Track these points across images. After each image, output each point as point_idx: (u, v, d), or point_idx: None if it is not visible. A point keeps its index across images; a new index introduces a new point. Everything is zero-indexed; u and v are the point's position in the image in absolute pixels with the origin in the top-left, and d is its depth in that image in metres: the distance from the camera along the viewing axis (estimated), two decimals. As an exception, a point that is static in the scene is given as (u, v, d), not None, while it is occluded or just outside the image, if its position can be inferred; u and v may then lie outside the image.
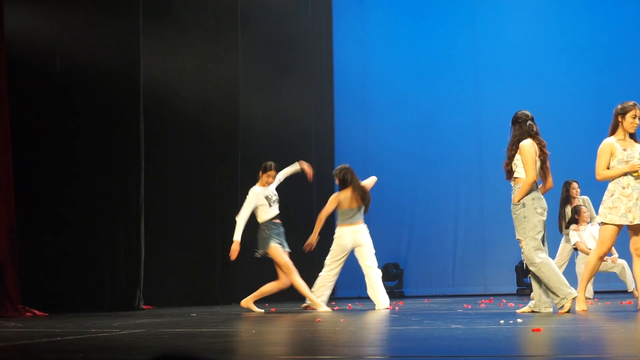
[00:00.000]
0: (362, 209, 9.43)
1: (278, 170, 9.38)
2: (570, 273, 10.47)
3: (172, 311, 9.92)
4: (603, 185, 7.64)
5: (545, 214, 7.48)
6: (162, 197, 11.87)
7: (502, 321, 6.48)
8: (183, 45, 12.17)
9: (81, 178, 10.50)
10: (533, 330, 5.46)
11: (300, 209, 12.79)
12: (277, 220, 9.25)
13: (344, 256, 9.45)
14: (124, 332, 6.13)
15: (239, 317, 8.43)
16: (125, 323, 7.32)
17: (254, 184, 9.31)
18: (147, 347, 4.82)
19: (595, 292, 10.75)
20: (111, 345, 5.09)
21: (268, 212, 9.16)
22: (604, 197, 7.55)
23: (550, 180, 7.58)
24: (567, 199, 10.90)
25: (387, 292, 9.74)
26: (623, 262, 10.48)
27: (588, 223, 10.61)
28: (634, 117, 7.53)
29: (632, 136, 7.62)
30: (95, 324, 7.28)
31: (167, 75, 11.80)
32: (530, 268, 7.43)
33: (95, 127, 10.60)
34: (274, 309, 9.90)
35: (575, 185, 10.91)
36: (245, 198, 9.19)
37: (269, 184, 9.21)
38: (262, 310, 9.35)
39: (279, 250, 9.14)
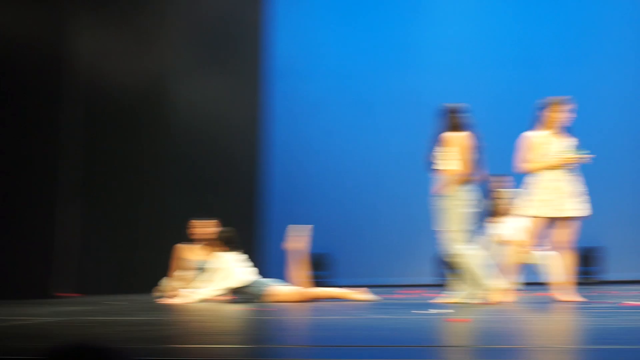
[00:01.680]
0: None
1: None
2: (496, 265, 10.49)
3: (93, 299, 9.70)
4: (528, 178, 7.65)
5: (472, 206, 7.45)
6: (90, 185, 11.59)
7: (416, 311, 6.42)
8: (111, 28, 11.88)
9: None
10: (451, 321, 5.40)
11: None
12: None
13: None
14: (34, 320, 5.94)
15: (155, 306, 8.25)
16: (37, 311, 7.11)
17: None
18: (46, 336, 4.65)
19: (520, 284, 10.77)
20: (17, 333, 4.90)
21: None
22: (530, 190, 7.57)
23: (479, 172, 7.54)
24: (492, 191, 10.91)
25: (320, 282, 9.61)
26: (549, 253, 10.53)
27: (512, 215, 10.63)
28: (561, 111, 7.56)
29: (560, 129, 7.63)
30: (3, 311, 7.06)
31: (93, 57, 11.49)
32: (453, 260, 7.40)
33: (13, 111, 10.30)
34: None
35: (500, 178, 10.93)
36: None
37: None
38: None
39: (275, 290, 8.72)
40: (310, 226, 9.29)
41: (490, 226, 10.74)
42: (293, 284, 8.85)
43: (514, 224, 10.51)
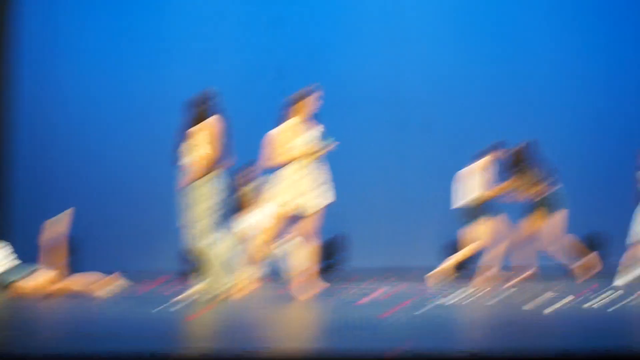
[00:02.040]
0: None
1: None
2: (240, 257, 10.60)
3: None
4: (278, 168, 7.76)
5: (220, 196, 7.48)
6: None
7: (161, 305, 6.40)
8: None
9: None
10: (192, 315, 5.43)
11: None
12: None
13: None
14: None
15: None
16: None
17: None
18: None
19: (265, 275, 10.96)
20: None
21: None
22: (279, 179, 7.67)
23: (228, 161, 7.57)
24: (242, 183, 11.03)
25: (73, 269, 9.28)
26: (295, 243, 10.75)
27: (259, 208, 10.79)
28: (313, 101, 7.70)
29: (312, 119, 7.78)
30: None
31: None
32: (197, 251, 7.40)
33: None
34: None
35: (251, 168, 11.06)
36: None
37: None
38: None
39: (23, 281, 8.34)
40: (70, 210, 9.01)
41: (236, 218, 10.85)
42: (47, 272, 8.55)
43: (260, 216, 10.69)
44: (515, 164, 9.85)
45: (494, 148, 10.06)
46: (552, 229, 9.87)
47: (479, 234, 9.87)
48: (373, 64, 13.23)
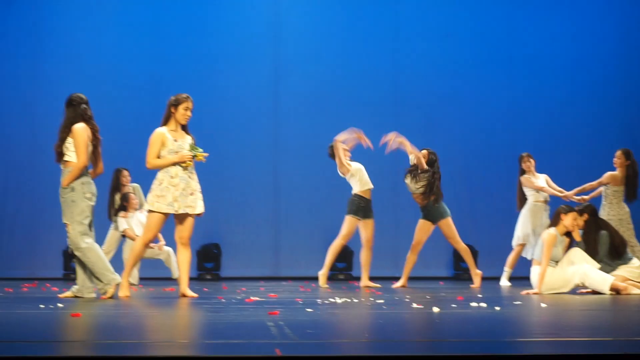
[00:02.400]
0: None
1: None
2: (118, 260, 10.55)
3: None
4: (153, 173, 7.78)
5: (94, 199, 7.46)
6: None
7: (42, 306, 6.35)
8: None
9: None
10: (72, 315, 5.41)
11: None
12: None
13: None
14: None
15: None
16: None
17: None
18: None
19: (140, 279, 10.93)
20: None
21: None
22: (153, 186, 7.70)
23: (101, 165, 7.58)
24: (117, 186, 10.97)
25: None
26: (169, 249, 10.77)
27: (137, 210, 10.77)
28: (187, 109, 7.76)
29: (184, 128, 7.85)
30: None
31: None
32: (76, 253, 7.37)
33: None
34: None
35: (126, 173, 11.02)
36: None
37: None
38: None
39: None
40: None
41: (115, 220, 10.78)
42: None
43: (138, 218, 10.66)
44: (418, 169, 10.07)
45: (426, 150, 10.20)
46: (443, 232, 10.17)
47: (349, 230, 10.09)
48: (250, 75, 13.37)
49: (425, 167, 9.99)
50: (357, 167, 10.20)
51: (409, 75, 13.44)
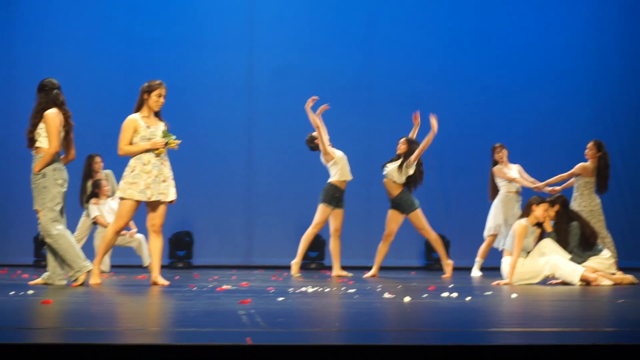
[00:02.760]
0: None
1: None
2: (90, 247, 10.50)
3: None
4: (126, 160, 7.74)
5: (66, 185, 7.41)
6: None
7: (12, 292, 6.32)
8: None
9: None
10: (43, 302, 5.38)
11: None
12: None
13: None
14: None
15: None
16: None
17: None
18: None
19: (112, 266, 10.89)
20: None
21: None
22: (125, 173, 7.66)
23: (73, 152, 7.53)
24: (89, 172, 10.90)
25: None
26: (141, 237, 10.73)
27: (109, 197, 10.71)
28: (159, 95, 7.72)
29: (157, 114, 7.81)
30: None
31: None
32: (47, 239, 7.33)
33: None
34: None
35: (98, 159, 10.94)
36: None
37: None
38: None
39: None
40: None
41: (87, 207, 10.72)
42: None
43: (110, 205, 10.60)
44: (398, 159, 10.09)
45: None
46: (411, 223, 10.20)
47: (322, 219, 10.11)
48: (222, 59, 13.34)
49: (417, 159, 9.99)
50: (340, 155, 10.19)
51: (382, 64, 13.47)
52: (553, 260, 8.46)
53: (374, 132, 13.16)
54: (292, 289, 7.24)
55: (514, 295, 6.83)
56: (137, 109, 7.76)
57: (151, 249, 7.82)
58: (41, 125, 7.30)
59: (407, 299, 6.10)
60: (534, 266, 8.57)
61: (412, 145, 10.08)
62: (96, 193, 10.66)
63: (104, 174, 10.96)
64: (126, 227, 9.48)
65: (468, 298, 6.36)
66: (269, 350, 3.43)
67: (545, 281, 8.68)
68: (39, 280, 7.53)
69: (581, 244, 8.74)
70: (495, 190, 10.68)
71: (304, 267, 11.44)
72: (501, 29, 13.60)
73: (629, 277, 8.66)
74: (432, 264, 12.75)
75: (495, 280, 8.77)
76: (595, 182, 10.04)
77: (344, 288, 7.56)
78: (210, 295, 6.50)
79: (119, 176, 8.00)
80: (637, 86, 13.61)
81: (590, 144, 10.16)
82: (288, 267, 10.41)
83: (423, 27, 13.53)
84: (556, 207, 8.82)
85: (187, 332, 4.07)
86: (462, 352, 3.47)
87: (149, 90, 7.71)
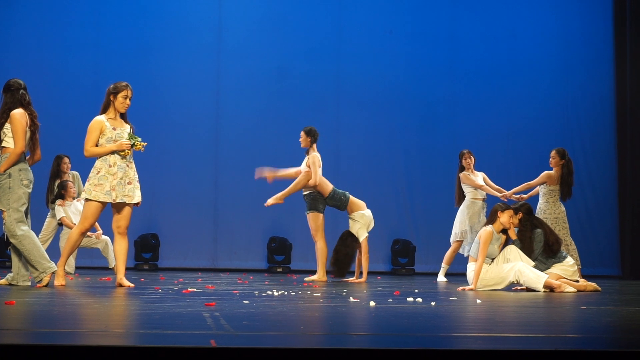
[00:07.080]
0: None
1: None
2: (55, 248, 10.43)
3: None
4: (93, 161, 7.71)
5: (31, 186, 7.37)
6: None
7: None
8: None
9: None
10: (6, 303, 5.34)
11: None
12: None
13: None
14: None
15: None
16: None
17: None
18: None
19: (77, 268, 10.83)
20: None
21: None
22: (90, 174, 7.62)
23: (38, 152, 7.49)
24: (57, 173, 10.83)
25: None
26: (106, 238, 10.68)
27: (74, 199, 10.65)
28: (125, 97, 7.69)
29: (123, 116, 7.78)
30: None
31: None
32: (11, 240, 7.28)
33: None
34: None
35: (66, 160, 10.88)
36: None
37: None
38: None
39: None
40: None
41: (53, 207, 10.65)
42: None
43: (76, 206, 10.54)
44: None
45: None
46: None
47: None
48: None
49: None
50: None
51: (350, 72, 13.52)
52: (518, 267, 8.52)
53: (342, 133, 13.20)
54: (257, 292, 7.24)
55: (478, 301, 6.87)
56: (103, 111, 7.73)
57: (116, 251, 7.79)
58: (7, 126, 7.26)
59: (372, 303, 6.12)
60: (499, 272, 8.62)
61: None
62: (62, 194, 10.60)
63: (72, 175, 10.91)
64: (92, 229, 9.43)
65: (433, 303, 6.39)
66: (233, 352, 3.44)
67: (509, 287, 8.74)
68: (2, 281, 7.47)
69: (545, 251, 8.80)
70: (461, 196, 10.74)
71: (269, 271, 11.42)
72: (469, 37, 13.70)
73: (592, 285, 8.73)
74: (398, 269, 12.79)
75: (460, 286, 8.82)
76: (559, 189, 10.14)
77: (310, 292, 7.56)
78: (176, 297, 6.48)
79: (85, 177, 7.95)
80: (601, 96, 13.75)
81: (553, 152, 10.25)
82: (254, 271, 10.40)
83: (391, 33, 13.59)
84: (520, 215, 8.88)
85: (152, 334, 4.06)
86: (427, 356, 3.49)
87: (115, 92, 7.68)
